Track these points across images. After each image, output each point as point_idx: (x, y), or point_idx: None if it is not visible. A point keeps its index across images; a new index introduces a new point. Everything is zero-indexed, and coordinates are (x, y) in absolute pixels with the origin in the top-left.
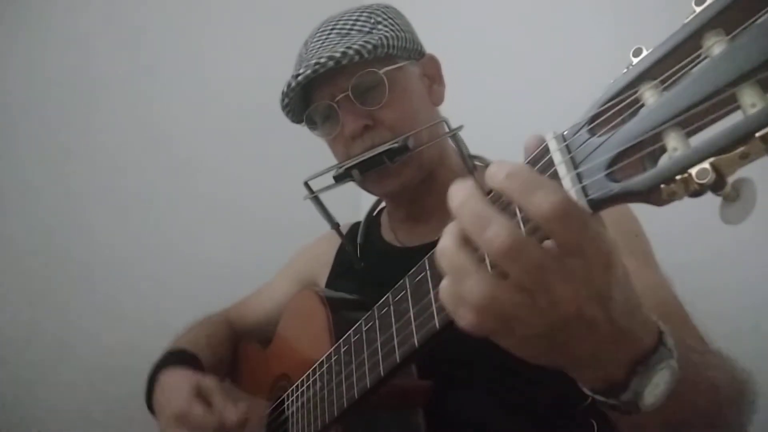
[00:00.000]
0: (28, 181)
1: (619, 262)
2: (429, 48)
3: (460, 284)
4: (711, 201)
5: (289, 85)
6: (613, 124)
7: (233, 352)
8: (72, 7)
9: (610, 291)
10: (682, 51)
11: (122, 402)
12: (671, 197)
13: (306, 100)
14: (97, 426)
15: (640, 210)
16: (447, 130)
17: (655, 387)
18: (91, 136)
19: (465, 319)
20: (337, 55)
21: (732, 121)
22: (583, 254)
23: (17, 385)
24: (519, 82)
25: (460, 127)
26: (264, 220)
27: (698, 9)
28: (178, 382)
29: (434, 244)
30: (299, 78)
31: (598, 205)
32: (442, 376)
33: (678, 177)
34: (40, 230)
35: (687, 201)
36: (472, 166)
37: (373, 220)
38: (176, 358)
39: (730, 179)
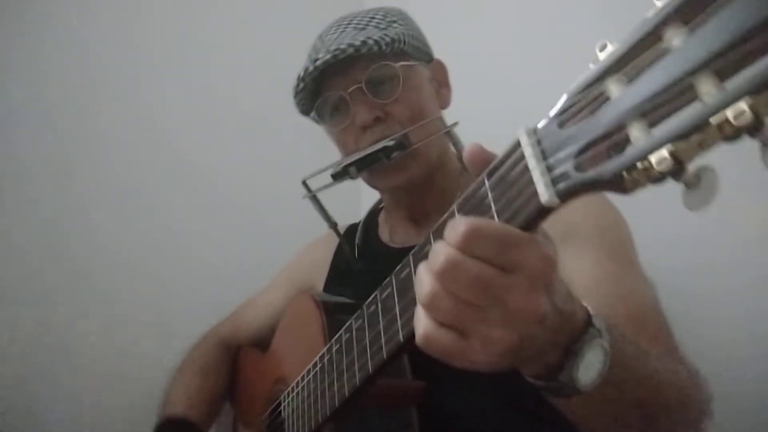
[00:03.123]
0: (29, 181)
1: (555, 256)
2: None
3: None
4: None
5: (306, 70)
6: (581, 116)
7: (230, 371)
8: (72, 6)
9: (554, 284)
10: (644, 44)
11: (122, 402)
12: (635, 185)
13: (316, 92)
14: (97, 426)
15: (639, 215)
16: (443, 127)
17: (589, 366)
18: (92, 135)
19: (419, 321)
20: (357, 43)
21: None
22: (515, 263)
23: (18, 385)
24: (515, 83)
25: (456, 124)
26: (265, 219)
27: (659, 3)
28: None
29: None
30: (318, 62)
31: (566, 194)
32: (436, 375)
33: (639, 165)
34: (41, 230)
35: (682, 208)
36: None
37: (371, 220)
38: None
39: (691, 166)
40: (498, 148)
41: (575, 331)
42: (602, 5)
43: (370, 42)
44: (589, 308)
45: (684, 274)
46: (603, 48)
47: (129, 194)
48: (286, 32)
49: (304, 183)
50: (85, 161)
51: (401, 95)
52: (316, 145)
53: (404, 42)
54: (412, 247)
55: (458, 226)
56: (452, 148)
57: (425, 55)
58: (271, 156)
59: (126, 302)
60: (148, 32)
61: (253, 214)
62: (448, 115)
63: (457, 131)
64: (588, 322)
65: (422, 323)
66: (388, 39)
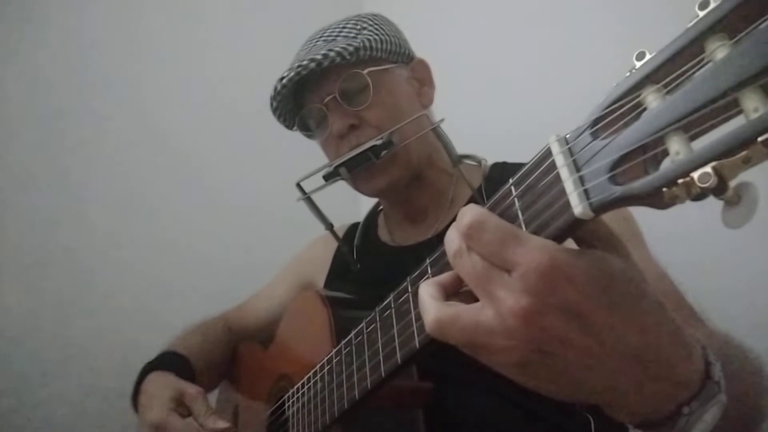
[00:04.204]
0: (29, 180)
1: (594, 280)
2: (421, 51)
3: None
4: (711, 203)
5: (275, 89)
6: (616, 127)
7: (231, 354)
8: (72, 6)
9: (568, 303)
10: (685, 55)
11: (121, 401)
12: (673, 201)
13: (298, 106)
14: (97, 425)
15: (640, 212)
16: (428, 125)
17: (703, 423)
18: (92, 134)
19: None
20: (319, 57)
21: (735, 125)
22: (509, 263)
23: (17, 384)
24: (512, 83)
25: (441, 120)
26: (265, 218)
27: (701, 13)
28: (160, 389)
29: (428, 242)
30: (284, 81)
31: (600, 208)
32: (443, 377)
33: (680, 181)
34: (41, 229)
35: (687, 203)
36: (458, 160)
37: (371, 220)
38: (166, 361)
39: (732, 183)
40: (491, 146)
41: (687, 388)
42: (593, 6)
43: (332, 54)
44: (710, 355)
45: (685, 271)
46: (641, 57)
47: (129, 194)
48: (284, 34)
49: (299, 185)
50: (85, 160)
51: (374, 100)
52: (315, 144)
53: (372, 48)
54: (411, 246)
55: (464, 215)
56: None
57: (402, 57)
58: (271, 154)
59: (125, 301)
60: (149, 33)
61: (253, 213)
62: (442, 115)
63: (448, 128)
64: (705, 374)
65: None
66: (351, 48)
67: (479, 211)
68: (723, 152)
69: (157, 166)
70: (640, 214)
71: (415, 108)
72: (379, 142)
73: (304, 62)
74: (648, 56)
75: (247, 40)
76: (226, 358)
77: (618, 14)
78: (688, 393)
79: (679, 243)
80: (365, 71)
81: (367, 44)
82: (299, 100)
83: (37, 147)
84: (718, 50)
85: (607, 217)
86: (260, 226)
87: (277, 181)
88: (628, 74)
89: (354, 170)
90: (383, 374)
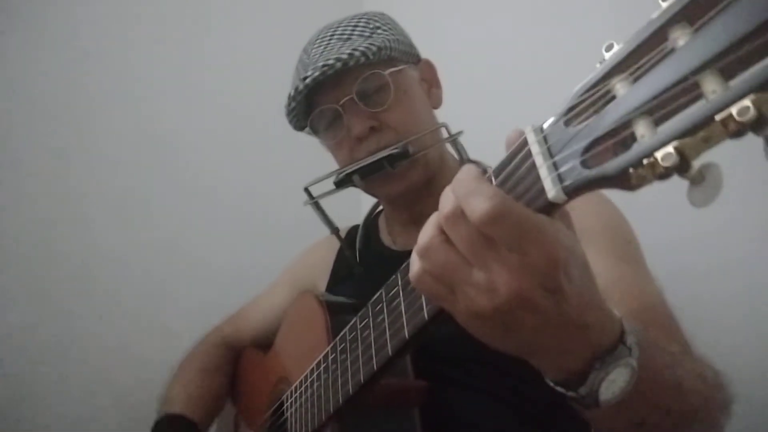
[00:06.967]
0: (29, 181)
1: (575, 261)
2: (428, 53)
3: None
4: (711, 210)
5: (296, 89)
6: (588, 114)
7: (232, 370)
8: (71, 7)
9: (558, 284)
10: (650, 44)
11: (121, 402)
12: (641, 181)
13: (309, 106)
14: (96, 426)
15: (642, 219)
16: (447, 134)
17: (612, 383)
18: (92, 136)
19: (413, 264)
20: (344, 56)
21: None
22: (521, 250)
23: (16, 386)
24: (516, 85)
25: (460, 132)
26: (265, 221)
27: (665, 4)
28: None
29: None
30: (307, 81)
31: (573, 191)
32: (438, 376)
33: (645, 161)
34: (41, 231)
35: (691, 211)
36: None
37: (371, 223)
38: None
39: (695, 163)
40: (494, 149)
41: (600, 347)
42: (599, 7)
43: (357, 54)
44: (625, 325)
45: (687, 277)
46: (609, 48)
47: (129, 196)
48: (287, 37)
49: (306, 190)
50: (84, 162)
51: (393, 102)
52: (317, 149)
53: (390, 48)
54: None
55: (482, 200)
56: (450, 150)
57: (413, 57)
58: (271, 158)
59: (124, 303)
60: (150, 34)
61: (253, 216)
62: (449, 117)
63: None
64: (619, 339)
65: (415, 266)
66: (374, 48)
67: (492, 204)
68: (684, 132)
69: (157, 169)
70: (640, 223)
71: (428, 110)
72: (395, 151)
73: (330, 61)
74: (616, 47)
75: (248, 42)
76: (229, 380)
77: (623, 18)
78: (600, 349)
79: (678, 250)
80: (386, 72)
81: (387, 44)
82: (310, 100)
83: (37, 150)
84: (680, 38)
85: (610, 238)
86: (261, 229)
87: (279, 185)
88: (598, 65)
89: (367, 177)
90: (375, 367)
